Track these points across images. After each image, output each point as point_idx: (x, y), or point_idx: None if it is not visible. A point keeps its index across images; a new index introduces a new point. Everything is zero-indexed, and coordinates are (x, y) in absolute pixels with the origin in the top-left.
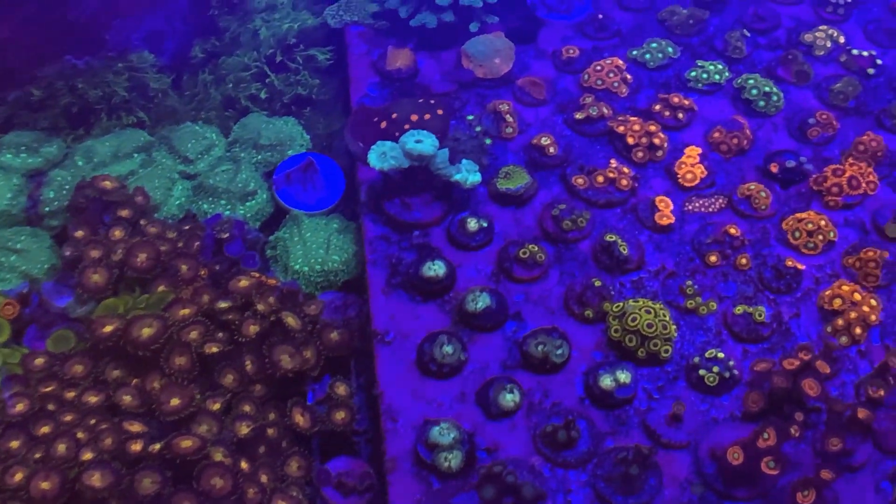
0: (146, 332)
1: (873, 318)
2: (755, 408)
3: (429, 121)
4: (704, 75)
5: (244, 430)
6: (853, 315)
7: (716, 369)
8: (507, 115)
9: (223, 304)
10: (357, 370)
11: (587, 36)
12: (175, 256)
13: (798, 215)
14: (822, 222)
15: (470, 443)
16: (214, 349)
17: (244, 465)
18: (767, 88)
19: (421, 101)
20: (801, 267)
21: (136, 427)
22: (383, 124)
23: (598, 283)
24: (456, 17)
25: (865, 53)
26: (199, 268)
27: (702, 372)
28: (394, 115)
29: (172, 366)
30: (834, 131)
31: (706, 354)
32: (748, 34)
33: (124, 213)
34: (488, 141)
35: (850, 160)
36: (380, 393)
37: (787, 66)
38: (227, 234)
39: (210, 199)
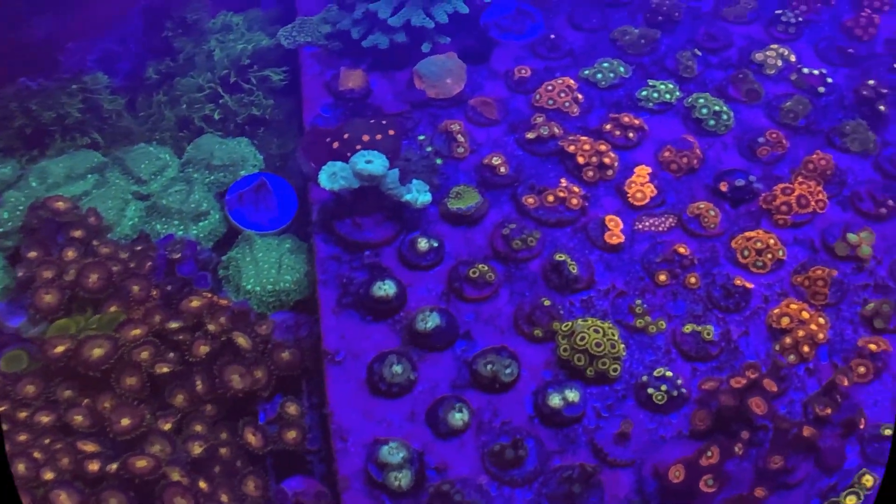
0: (97, 352)
1: (821, 336)
2: (702, 426)
3: (380, 141)
4: (655, 95)
5: (197, 449)
6: (801, 333)
7: (664, 388)
8: (459, 135)
9: (174, 325)
10: (309, 389)
11: (539, 56)
12: (127, 277)
13: (747, 234)
14: (771, 241)
15: (419, 462)
16: (165, 369)
17: (203, 484)
18: (717, 108)
19: (372, 121)
20: (749, 286)
21: (90, 447)
22: (335, 144)
23: (547, 303)
24: (408, 37)
25: (816, 72)
26: (151, 288)
27: (650, 390)
28: (345, 136)
29: (123, 386)
30: (784, 150)
31: (655, 373)
32: (699, 53)
33: (77, 233)
34: (439, 161)
35: (800, 179)
36: (330, 412)
37: (738, 85)
38: (178, 255)
39: (163, 219)
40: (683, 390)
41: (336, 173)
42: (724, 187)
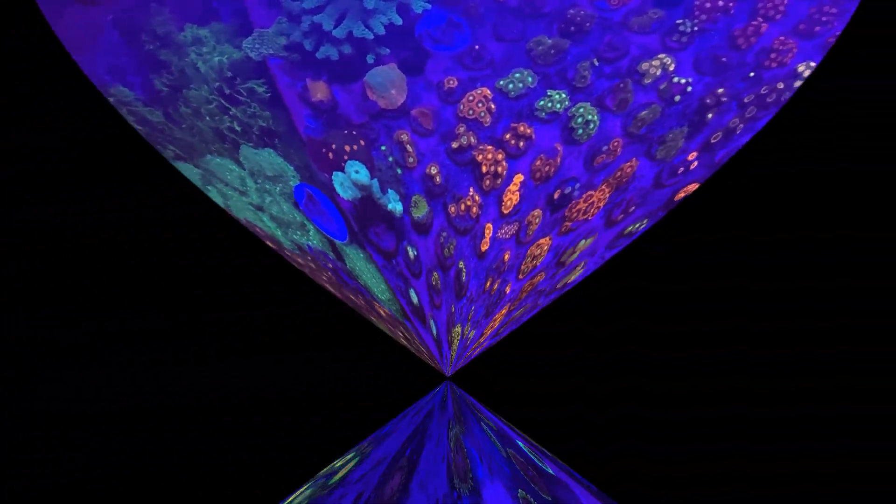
0: None
1: None
2: None
3: (356, 151)
4: (549, 104)
5: None
6: None
7: None
8: (408, 145)
9: None
10: None
11: (466, 67)
12: None
13: (540, 241)
14: (545, 247)
15: None
16: None
17: None
18: (590, 117)
19: (346, 132)
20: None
21: None
22: (330, 155)
23: (453, 310)
24: (353, 49)
25: (683, 81)
26: None
27: None
28: (333, 146)
29: None
30: (614, 158)
31: None
32: (597, 63)
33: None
34: (399, 171)
35: (603, 186)
36: None
37: (615, 95)
38: None
39: (290, 229)
40: None
41: (343, 183)
42: (556, 195)
